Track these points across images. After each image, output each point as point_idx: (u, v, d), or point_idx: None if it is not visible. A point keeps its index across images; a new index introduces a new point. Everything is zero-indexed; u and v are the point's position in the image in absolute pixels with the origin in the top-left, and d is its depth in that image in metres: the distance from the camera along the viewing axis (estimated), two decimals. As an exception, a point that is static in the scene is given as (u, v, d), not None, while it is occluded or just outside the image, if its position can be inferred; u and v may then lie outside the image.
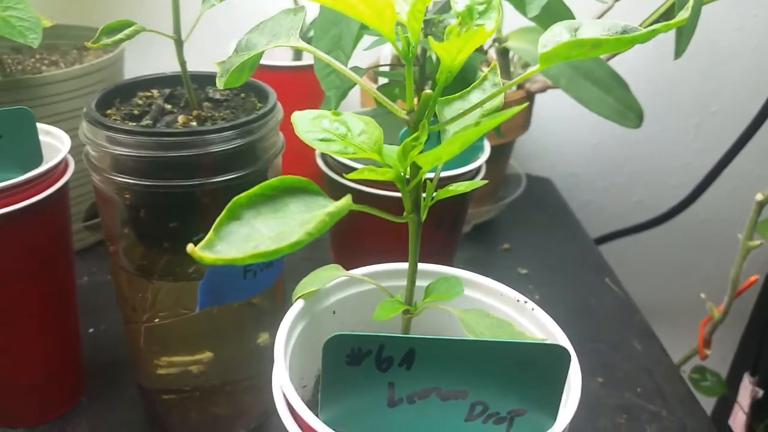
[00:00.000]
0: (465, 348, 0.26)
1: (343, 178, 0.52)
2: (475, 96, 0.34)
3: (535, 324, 0.35)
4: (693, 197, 0.88)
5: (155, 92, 0.50)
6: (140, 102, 0.49)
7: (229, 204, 0.25)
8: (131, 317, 0.49)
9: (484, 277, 0.38)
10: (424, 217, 0.31)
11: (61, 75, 0.65)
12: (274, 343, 0.32)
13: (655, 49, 0.74)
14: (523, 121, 0.80)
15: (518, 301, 0.36)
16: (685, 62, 0.64)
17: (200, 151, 0.41)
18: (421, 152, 0.27)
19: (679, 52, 0.61)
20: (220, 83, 0.34)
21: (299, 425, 0.28)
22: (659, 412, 0.60)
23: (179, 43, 0.44)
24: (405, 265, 0.38)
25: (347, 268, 0.36)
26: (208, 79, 0.52)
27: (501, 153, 0.80)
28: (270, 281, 0.50)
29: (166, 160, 0.41)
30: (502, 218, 0.88)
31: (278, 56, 0.85)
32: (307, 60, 0.79)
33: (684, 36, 0.59)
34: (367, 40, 0.53)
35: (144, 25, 0.41)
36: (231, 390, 0.53)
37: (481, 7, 0.28)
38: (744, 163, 0.86)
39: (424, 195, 0.31)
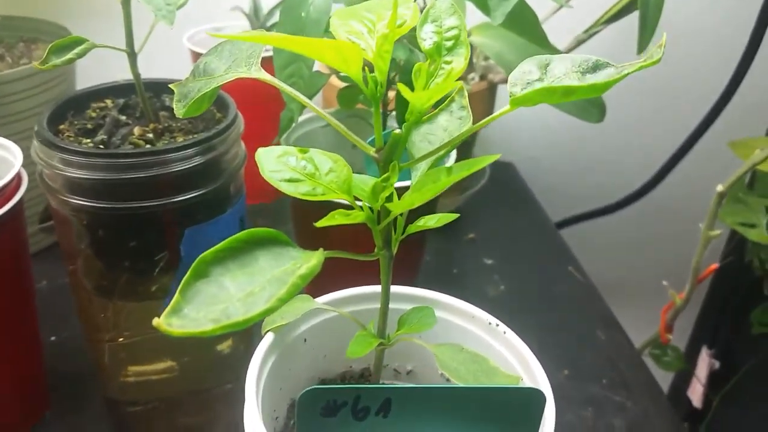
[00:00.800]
0: (442, 395, 0.26)
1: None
2: (443, 119, 0.33)
3: (508, 348, 0.35)
4: (654, 182, 0.89)
5: (109, 102, 0.48)
6: (94, 114, 0.47)
7: (196, 262, 0.24)
8: (94, 336, 0.48)
9: (455, 299, 0.37)
10: (395, 251, 0.31)
11: (12, 75, 0.62)
12: (239, 351, 0.31)
13: (618, 34, 0.74)
14: (486, 112, 0.79)
15: (490, 324, 0.36)
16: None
17: (159, 171, 0.40)
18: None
19: (641, 46, 0.61)
20: (178, 111, 0.33)
21: None
22: (624, 403, 0.61)
23: (133, 56, 0.42)
24: (374, 289, 0.38)
25: (317, 288, 0.36)
26: (163, 87, 0.50)
27: (465, 145, 0.79)
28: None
29: (124, 182, 0.40)
30: (466, 207, 0.88)
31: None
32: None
33: (647, 31, 0.59)
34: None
35: (94, 41, 0.39)
36: (198, 399, 0.52)
37: (449, 43, 0.28)
38: (706, 147, 0.87)
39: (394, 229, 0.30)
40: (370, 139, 0.48)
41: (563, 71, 0.27)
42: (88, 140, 0.44)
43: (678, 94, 0.97)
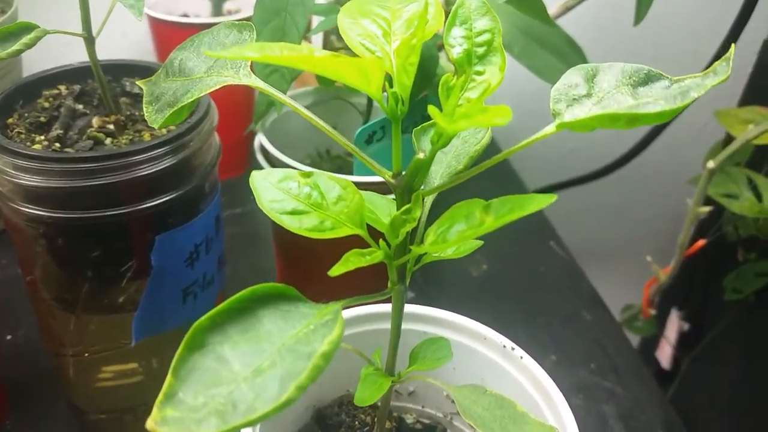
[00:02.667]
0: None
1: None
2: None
3: (524, 374, 0.32)
4: (636, 151, 0.86)
5: (63, 89, 0.43)
6: (46, 104, 0.41)
7: (190, 331, 0.20)
8: (58, 350, 0.43)
9: (465, 319, 0.34)
10: (408, 282, 0.27)
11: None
12: None
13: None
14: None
15: (505, 347, 0.33)
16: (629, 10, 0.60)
17: (124, 176, 0.35)
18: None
19: (638, 19, 0.57)
20: (152, 121, 0.28)
21: None
22: (614, 389, 0.60)
23: (90, 42, 0.37)
24: (378, 309, 0.34)
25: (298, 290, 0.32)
26: (124, 69, 0.44)
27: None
28: (212, 301, 0.45)
29: (84, 189, 0.35)
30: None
31: (198, 8, 0.76)
32: (236, 16, 0.70)
33: (644, 4, 0.55)
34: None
35: (45, 28, 0.34)
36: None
37: (480, 50, 0.23)
38: (690, 116, 0.84)
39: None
40: (360, 130, 0.44)
41: (613, 84, 0.23)
42: (42, 137, 0.38)
43: (662, 62, 0.94)
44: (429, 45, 0.43)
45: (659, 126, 0.83)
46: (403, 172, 0.24)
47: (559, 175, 0.98)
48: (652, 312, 0.77)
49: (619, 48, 0.94)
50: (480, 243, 0.27)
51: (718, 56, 0.75)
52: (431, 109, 0.20)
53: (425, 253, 0.26)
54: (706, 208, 0.65)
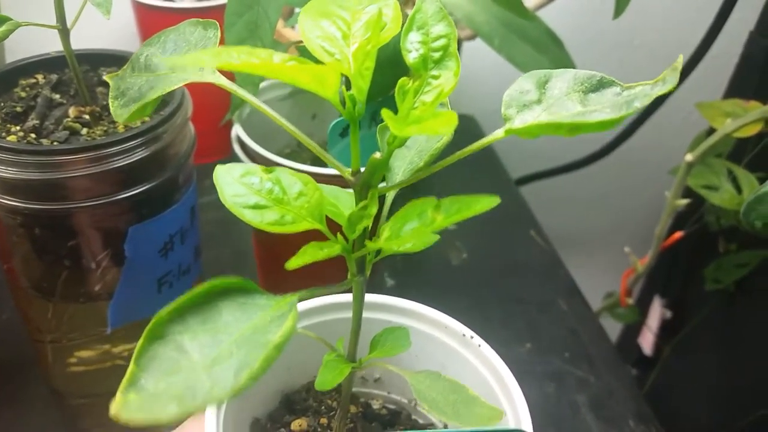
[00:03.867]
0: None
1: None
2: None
3: (482, 361, 0.33)
4: (619, 141, 0.87)
5: (40, 78, 0.43)
6: (23, 94, 0.41)
7: (151, 322, 0.21)
8: (36, 336, 0.44)
9: (428, 309, 0.35)
10: (368, 274, 0.28)
11: None
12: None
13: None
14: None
15: (464, 335, 0.34)
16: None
17: (98, 168, 0.36)
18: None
19: (618, 13, 0.58)
20: (116, 115, 0.29)
21: None
22: (587, 378, 0.61)
23: (65, 33, 0.37)
24: (341, 299, 0.35)
25: (276, 283, 0.33)
26: (100, 58, 0.45)
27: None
28: (188, 289, 0.46)
29: (59, 181, 0.36)
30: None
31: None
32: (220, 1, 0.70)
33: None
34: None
35: (18, 20, 0.34)
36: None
37: (436, 55, 0.24)
38: (673, 107, 0.85)
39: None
40: (334, 123, 0.45)
41: (564, 91, 0.24)
42: (18, 127, 0.39)
43: (647, 51, 0.94)
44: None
45: (642, 116, 0.83)
46: (362, 170, 0.25)
47: (544, 164, 0.99)
48: (630, 301, 0.78)
49: (605, 35, 0.95)
50: (437, 237, 0.28)
51: (703, 45, 0.76)
52: (385, 113, 0.21)
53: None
54: (684, 201, 0.66)
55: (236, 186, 0.25)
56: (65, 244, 0.39)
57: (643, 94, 0.22)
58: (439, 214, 0.22)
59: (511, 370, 0.32)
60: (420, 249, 0.27)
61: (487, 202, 0.20)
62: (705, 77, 0.84)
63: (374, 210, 0.24)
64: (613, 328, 1.04)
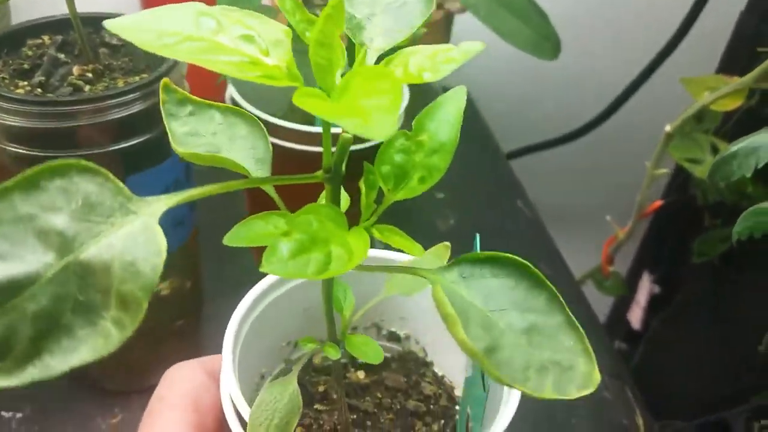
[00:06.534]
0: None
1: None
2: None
3: None
4: (606, 115, 0.89)
5: (47, 39, 0.46)
6: (30, 53, 0.45)
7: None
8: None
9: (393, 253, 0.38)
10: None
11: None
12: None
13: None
14: (443, 41, 0.78)
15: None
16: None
17: (98, 119, 0.39)
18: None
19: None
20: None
21: None
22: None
23: (69, -6, 0.40)
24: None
25: None
26: (103, 20, 0.48)
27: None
28: (183, 240, 0.49)
29: (61, 130, 0.39)
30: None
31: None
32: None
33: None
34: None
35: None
36: (144, 337, 0.53)
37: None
38: (660, 82, 0.87)
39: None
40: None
41: None
42: (25, 82, 0.42)
43: (634, 26, 0.96)
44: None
45: (629, 90, 0.85)
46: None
47: (534, 137, 1.01)
48: (612, 269, 0.81)
49: (597, 11, 0.96)
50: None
51: (686, 23, 0.78)
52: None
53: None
54: (663, 171, 0.69)
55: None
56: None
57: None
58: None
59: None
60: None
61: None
62: (697, 55, 0.86)
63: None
64: (603, 306, 1.07)
